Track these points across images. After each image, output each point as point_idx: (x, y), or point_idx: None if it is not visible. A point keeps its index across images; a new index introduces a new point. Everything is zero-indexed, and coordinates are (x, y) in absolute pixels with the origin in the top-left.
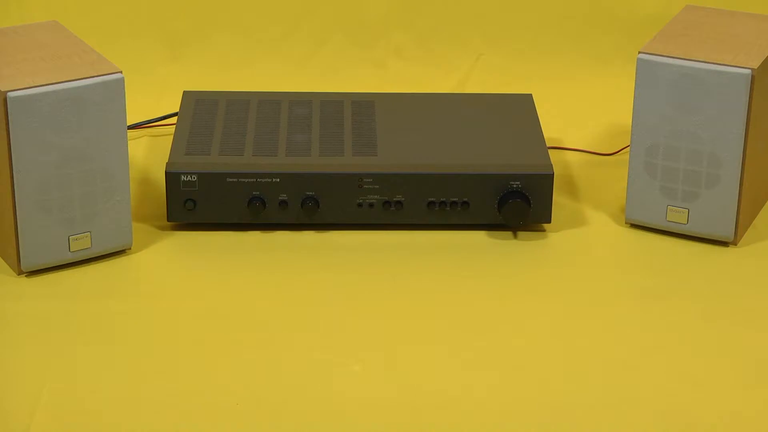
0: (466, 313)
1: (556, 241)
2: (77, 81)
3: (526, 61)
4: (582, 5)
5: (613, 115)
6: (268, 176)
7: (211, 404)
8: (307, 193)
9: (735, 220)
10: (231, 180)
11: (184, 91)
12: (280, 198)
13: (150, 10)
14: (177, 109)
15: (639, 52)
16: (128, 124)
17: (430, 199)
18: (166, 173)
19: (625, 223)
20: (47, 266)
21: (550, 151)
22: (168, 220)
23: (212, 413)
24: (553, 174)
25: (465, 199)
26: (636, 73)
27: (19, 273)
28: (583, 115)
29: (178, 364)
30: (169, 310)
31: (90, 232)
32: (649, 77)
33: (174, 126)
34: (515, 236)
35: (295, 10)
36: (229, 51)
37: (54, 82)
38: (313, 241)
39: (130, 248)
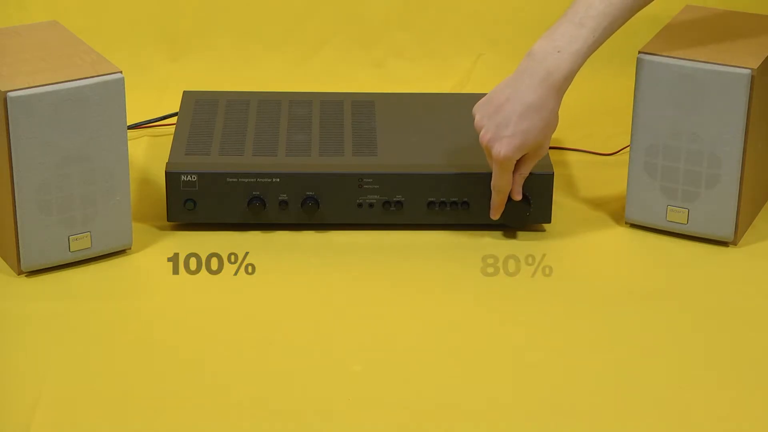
0: (466, 313)
1: (556, 241)
2: (77, 81)
3: None
4: None
5: (613, 115)
6: (268, 176)
7: (211, 404)
8: (307, 193)
9: (735, 220)
10: (231, 180)
11: (184, 91)
12: (280, 198)
13: (150, 10)
14: (177, 109)
15: (639, 52)
16: (128, 124)
17: (430, 199)
18: (166, 173)
19: (625, 223)
20: (47, 266)
21: (550, 151)
22: (168, 220)
23: (212, 413)
24: (553, 174)
25: (465, 199)
26: (636, 73)
27: (19, 273)
28: (583, 115)
29: (177, 364)
30: (169, 310)
31: (90, 232)
32: (649, 77)
33: (174, 126)
34: (515, 236)
35: (295, 10)
36: (229, 51)
37: (54, 82)
38: (313, 241)
39: (130, 248)
